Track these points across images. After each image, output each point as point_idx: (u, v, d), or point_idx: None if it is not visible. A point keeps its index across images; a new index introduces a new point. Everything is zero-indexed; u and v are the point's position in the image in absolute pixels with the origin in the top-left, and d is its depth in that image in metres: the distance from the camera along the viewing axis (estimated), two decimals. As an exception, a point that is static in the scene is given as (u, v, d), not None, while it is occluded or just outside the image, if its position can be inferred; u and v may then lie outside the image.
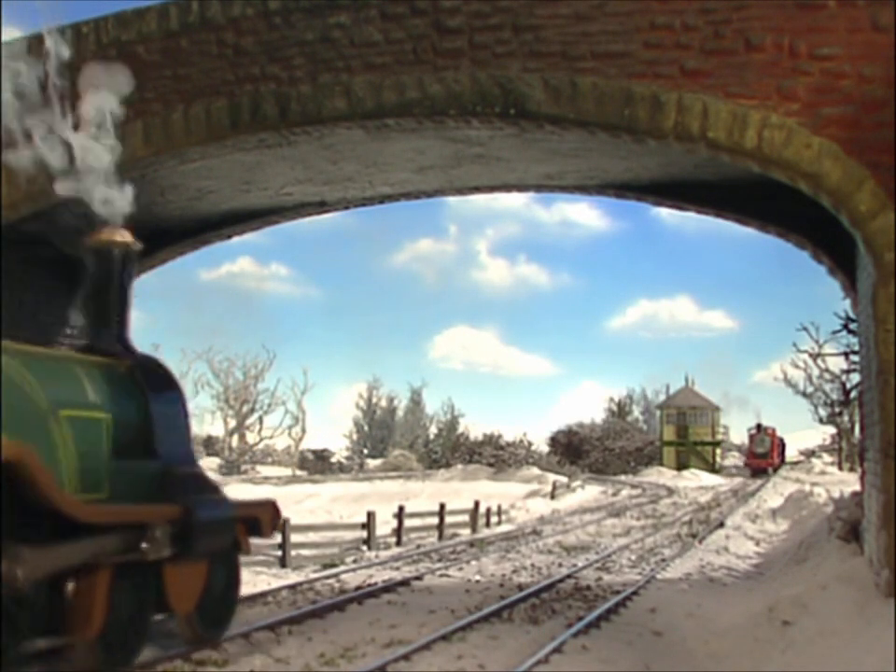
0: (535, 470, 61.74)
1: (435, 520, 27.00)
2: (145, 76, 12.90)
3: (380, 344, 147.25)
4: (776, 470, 67.87)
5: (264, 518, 11.84)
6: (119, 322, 10.72)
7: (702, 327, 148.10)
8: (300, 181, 15.67)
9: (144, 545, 9.05)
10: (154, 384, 10.48)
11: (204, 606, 10.49)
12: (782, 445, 76.87)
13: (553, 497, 43.35)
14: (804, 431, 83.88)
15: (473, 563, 19.39)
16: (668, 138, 11.44)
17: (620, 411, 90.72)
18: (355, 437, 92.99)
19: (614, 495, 48.42)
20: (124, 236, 10.90)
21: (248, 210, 17.13)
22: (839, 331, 20.27)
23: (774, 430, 74.43)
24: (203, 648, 10.39)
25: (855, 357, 19.67)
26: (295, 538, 20.66)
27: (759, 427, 74.01)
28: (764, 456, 71.99)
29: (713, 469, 73.81)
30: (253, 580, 16.92)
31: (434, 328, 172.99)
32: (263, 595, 14.67)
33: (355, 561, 20.22)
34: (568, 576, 17.20)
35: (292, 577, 17.51)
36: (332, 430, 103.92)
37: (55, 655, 8.58)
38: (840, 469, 59.74)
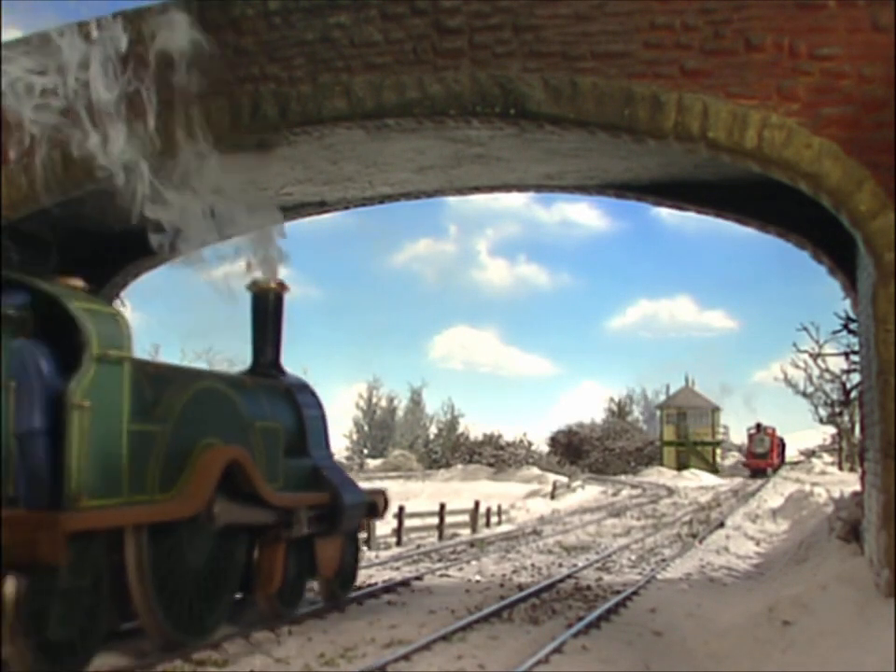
0: (535, 470, 61.71)
1: (435, 520, 27.00)
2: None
3: (380, 344, 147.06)
4: (775, 471, 67.18)
5: (380, 503, 14.86)
6: (274, 352, 13.82)
7: (702, 327, 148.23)
8: (300, 181, 15.66)
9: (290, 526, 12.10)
10: (304, 400, 13.70)
11: (338, 572, 13.71)
12: (782, 445, 75.93)
13: (553, 497, 43.34)
14: (804, 431, 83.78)
15: (473, 563, 19.40)
16: (668, 138, 11.43)
17: (620, 411, 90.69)
18: (355, 437, 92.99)
19: (614, 495, 48.44)
20: (277, 283, 13.99)
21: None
22: (839, 331, 20.24)
23: (774, 430, 73.26)
24: (337, 604, 13.60)
25: (855, 357, 19.65)
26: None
27: (758, 426, 72.84)
28: (764, 457, 70.70)
29: (713, 469, 73.58)
30: (253, 580, 16.92)
31: (434, 328, 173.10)
32: (263, 595, 14.66)
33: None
34: (569, 576, 17.21)
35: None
36: (332, 430, 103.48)
37: (246, 606, 12.40)
38: (840, 469, 59.71)
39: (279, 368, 13.85)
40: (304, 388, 14.06)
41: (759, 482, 57.30)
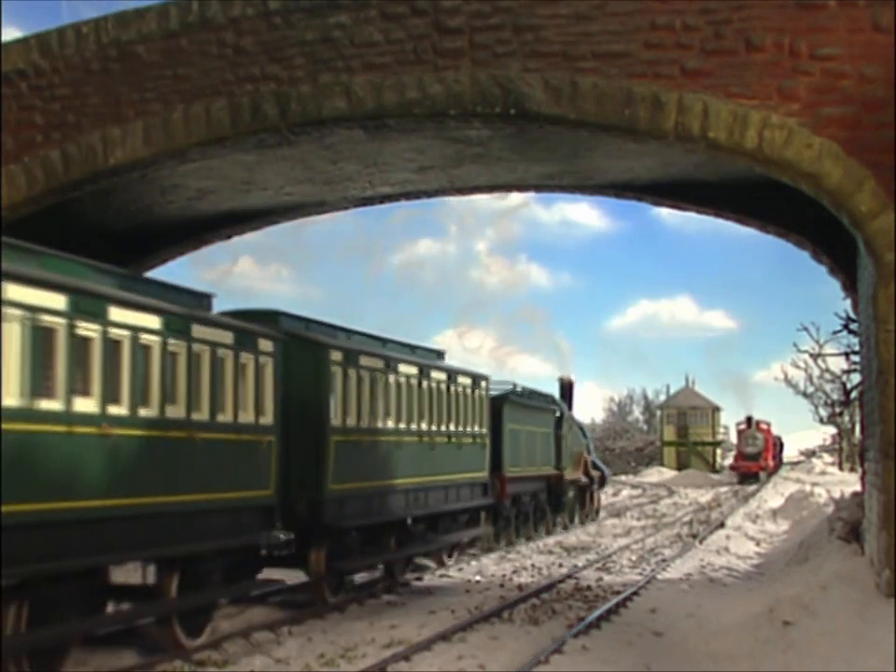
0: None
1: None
2: (145, 76, 12.90)
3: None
4: (771, 475, 58.40)
5: (608, 477, 36.07)
6: (570, 404, 30.09)
7: (702, 327, 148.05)
8: (300, 181, 15.67)
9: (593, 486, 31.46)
10: (582, 426, 31.79)
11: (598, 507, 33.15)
12: (779, 445, 69.01)
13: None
14: (804, 431, 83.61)
15: (473, 563, 19.39)
16: (669, 138, 11.43)
17: (620, 411, 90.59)
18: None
19: (614, 495, 48.35)
20: (569, 379, 31.94)
21: (248, 210, 17.13)
22: (839, 331, 20.25)
23: (769, 426, 63.90)
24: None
25: (855, 358, 19.65)
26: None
27: (749, 420, 62.62)
28: (755, 458, 59.67)
29: (714, 469, 73.09)
30: (253, 580, 16.88)
31: (434, 328, 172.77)
32: (263, 595, 14.66)
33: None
34: (569, 576, 17.20)
35: (292, 577, 17.49)
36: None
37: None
38: (840, 469, 59.59)
39: (570, 411, 29.82)
40: (581, 423, 31.67)
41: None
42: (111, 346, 9.55)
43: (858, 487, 16.33)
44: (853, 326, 18.08)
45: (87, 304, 9.30)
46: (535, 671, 9.95)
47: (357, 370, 14.14)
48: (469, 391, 18.53)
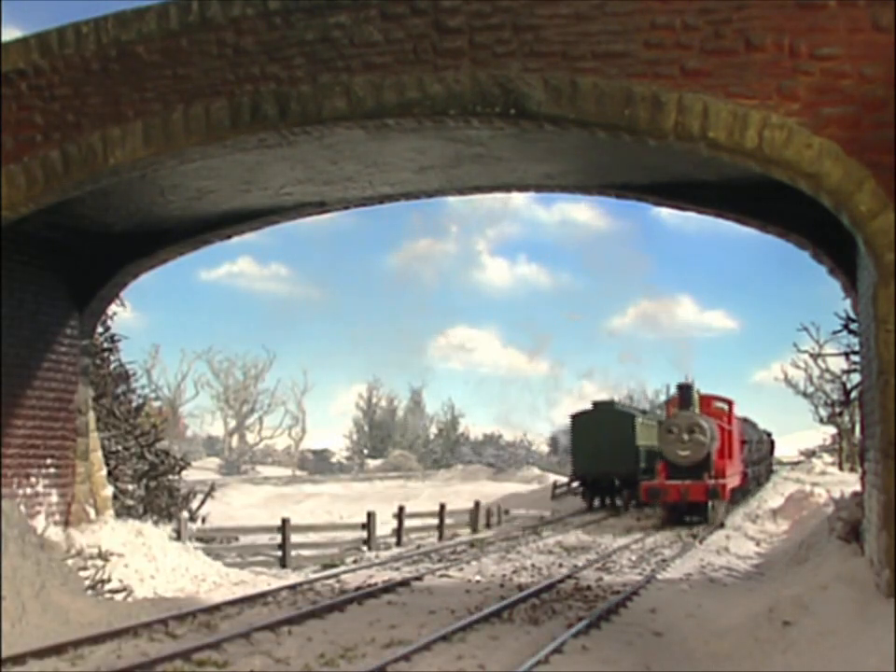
0: (535, 470, 61.75)
1: (435, 520, 27.01)
2: (145, 76, 12.89)
3: (380, 344, 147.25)
4: (734, 499, 32.42)
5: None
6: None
7: (702, 327, 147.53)
8: (300, 181, 15.65)
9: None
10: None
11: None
12: (767, 443, 50.13)
13: (553, 497, 43.29)
14: (804, 431, 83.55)
15: (473, 563, 19.40)
16: (669, 138, 11.42)
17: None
18: (355, 437, 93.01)
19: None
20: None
21: (248, 210, 17.11)
22: (839, 331, 20.32)
23: (729, 406, 33.55)
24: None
25: (855, 358, 19.67)
26: (295, 538, 20.65)
27: (684, 393, 30.13)
28: (695, 473, 28.23)
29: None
30: (253, 580, 16.92)
31: (434, 328, 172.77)
32: (263, 595, 14.68)
33: (355, 561, 20.21)
34: (569, 576, 17.20)
35: (292, 577, 17.53)
36: (332, 430, 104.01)
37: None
38: (840, 469, 59.55)
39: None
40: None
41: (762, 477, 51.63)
42: (641, 426, 37.89)
43: (858, 487, 16.32)
44: (853, 326, 18.10)
45: (637, 418, 38.24)
46: (535, 671, 9.95)
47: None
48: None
